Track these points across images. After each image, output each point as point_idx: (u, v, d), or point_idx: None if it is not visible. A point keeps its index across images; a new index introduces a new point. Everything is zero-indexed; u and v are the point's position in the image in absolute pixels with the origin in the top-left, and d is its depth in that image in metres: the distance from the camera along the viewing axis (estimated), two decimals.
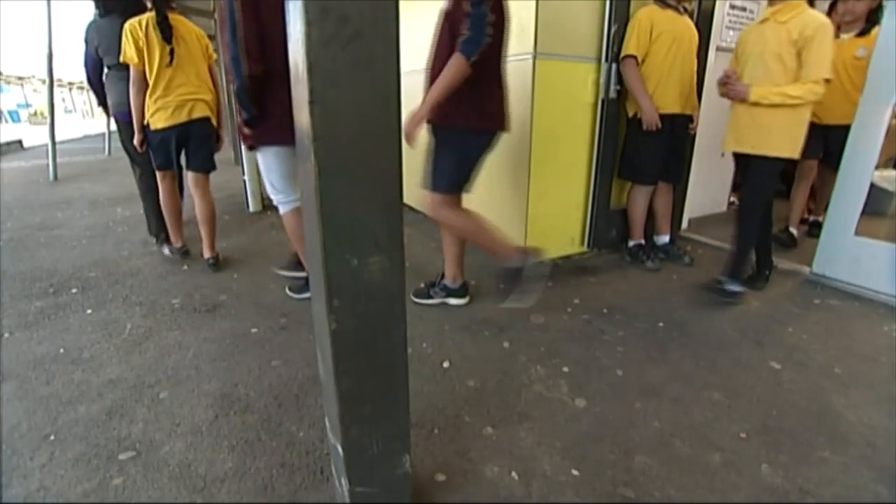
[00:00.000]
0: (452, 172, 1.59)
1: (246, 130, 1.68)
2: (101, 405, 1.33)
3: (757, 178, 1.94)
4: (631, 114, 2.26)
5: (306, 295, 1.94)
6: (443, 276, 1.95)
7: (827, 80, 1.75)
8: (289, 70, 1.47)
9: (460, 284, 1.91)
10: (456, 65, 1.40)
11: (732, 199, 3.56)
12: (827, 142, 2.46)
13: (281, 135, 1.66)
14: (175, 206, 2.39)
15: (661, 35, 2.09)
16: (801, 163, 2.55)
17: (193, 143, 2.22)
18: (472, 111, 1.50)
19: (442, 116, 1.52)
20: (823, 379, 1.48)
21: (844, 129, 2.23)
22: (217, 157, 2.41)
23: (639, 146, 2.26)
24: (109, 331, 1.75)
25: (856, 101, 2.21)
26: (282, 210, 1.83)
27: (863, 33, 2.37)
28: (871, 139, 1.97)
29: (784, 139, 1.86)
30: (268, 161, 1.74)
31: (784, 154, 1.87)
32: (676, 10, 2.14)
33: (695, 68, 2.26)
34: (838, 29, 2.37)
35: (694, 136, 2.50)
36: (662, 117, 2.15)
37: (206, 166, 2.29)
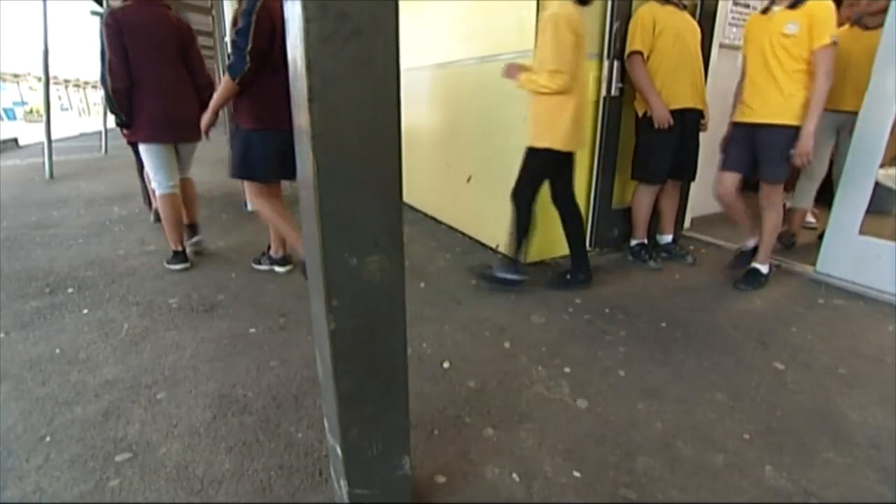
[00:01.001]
0: (239, 163, 1.92)
1: (124, 130, 2.17)
2: (98, 406, 1.32)
3: (523, 166, 1.95)
4: (641, 113, 2.23)
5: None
6: (269, 248, 2.32)
7: (557, 72, 1.70)
8: (154, 85, 1.78)
9: (281, 255, 2.28)
10: (224, 83, 1.78)
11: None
12: (754, 146, 2.02)
13: (148, 134, 2.13)
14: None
15: (664, 30, 2.07)
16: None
17: None
18: (251, 114, 1.85)
19: (234, 118, 1.91)
20: (828, 379, 1.48)
21: (771, 131, 1.90)
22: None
23: (652, 146, 2.21)
24: (106, 331, 1.74)
25: (786, 93, 1.86)
26: (157, 193, 2.25)
27: (795, 5, 1.86)
28: (876, 137, 1.95)
29: (540, 129, 1.86)
30: (143, 154, 2.20)
31: (542, 144, 1.86)
32: (676, 5, 2.13)
33: (702, 62, 2.23)
34: (772, 1, 1.96)
35: (701, 131, 2.46)
36: (673, 112, 2.12)
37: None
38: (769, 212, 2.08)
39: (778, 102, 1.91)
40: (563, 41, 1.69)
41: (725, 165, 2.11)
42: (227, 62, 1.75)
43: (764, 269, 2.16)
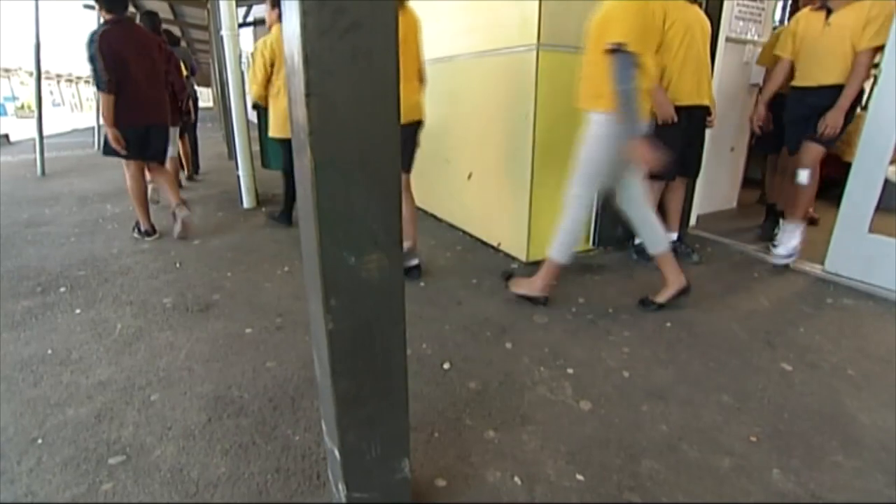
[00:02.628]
0: (106, 145, 2.58)
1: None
2: (91, 408, 1.30)
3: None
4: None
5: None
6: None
7: (252, 84, 2.42)
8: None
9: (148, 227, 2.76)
10: (101, 98, 2.40)
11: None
12: None
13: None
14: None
15: (673, 24, 2.05)
16: None
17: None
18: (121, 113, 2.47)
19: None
20: (836, 381, 1.46)
21: None
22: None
23: (658, 142, 2.20)
24: (99, 331, 1.72)
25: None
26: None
27: None
28: (885, 134, 1.92)
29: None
30: None
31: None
32: None
33: (709, 58, 2.20)
34: None
35: (707, 127, 2.42)
36: (678, 109, 2.10)
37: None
38: None
39: None
40: (255, 64, 2.53)
41: None
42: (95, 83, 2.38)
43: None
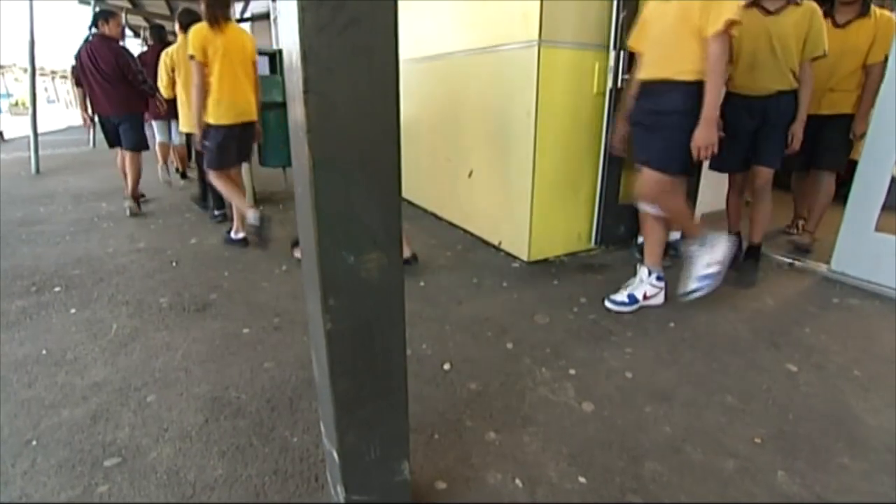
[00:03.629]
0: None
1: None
2: (86, 409, 1.29)
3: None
4: None
5: None
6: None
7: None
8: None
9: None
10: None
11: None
12: None
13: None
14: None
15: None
16: None
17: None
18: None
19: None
20: (842, 381, 1.44)
21: None
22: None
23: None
24: (94, 331, 1.71)
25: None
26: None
27: None
28: (891, 131, 1.90)
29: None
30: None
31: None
32: None
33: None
34: None
35: None
36: None
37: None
38: None
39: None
40: (161, 70, 2.99)
41: None
42: None
43: None
